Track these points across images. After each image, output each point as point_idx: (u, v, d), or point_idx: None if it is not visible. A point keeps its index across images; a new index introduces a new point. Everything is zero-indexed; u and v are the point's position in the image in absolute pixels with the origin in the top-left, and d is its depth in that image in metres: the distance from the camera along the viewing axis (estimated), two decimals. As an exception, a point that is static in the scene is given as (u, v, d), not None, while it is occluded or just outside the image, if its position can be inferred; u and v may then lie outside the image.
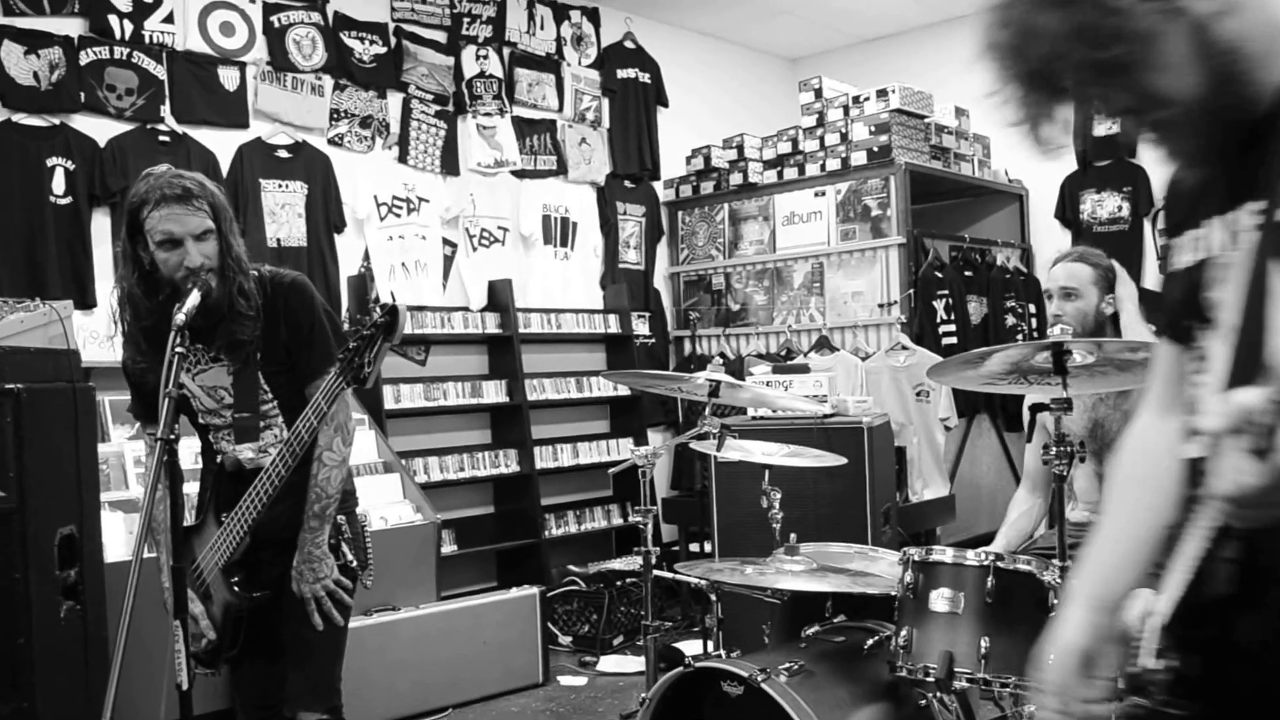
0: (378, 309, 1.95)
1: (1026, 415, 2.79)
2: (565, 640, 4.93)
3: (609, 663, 4.65)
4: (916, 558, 2.42)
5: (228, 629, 2.26)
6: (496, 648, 4.21)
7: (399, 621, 3.96)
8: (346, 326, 1.97)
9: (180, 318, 2.02)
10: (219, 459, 2.31)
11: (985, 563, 2.33)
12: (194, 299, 2.07)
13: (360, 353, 1.94)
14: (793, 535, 2.81)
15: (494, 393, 5.41)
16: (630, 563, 5.22)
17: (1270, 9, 0.95)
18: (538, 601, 4.37)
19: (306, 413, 2.09)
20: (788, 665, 2.39)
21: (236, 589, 2.24)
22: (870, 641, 2.54)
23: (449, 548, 5.00)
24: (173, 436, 1.97)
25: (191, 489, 2.52)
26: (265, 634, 2.28)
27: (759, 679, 2.32)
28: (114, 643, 2.97)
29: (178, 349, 2.00)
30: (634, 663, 4.59)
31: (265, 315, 2.23)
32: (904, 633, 2.37)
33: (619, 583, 4.98)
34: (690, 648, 4.37)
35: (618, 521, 5.84)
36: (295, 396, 2.25)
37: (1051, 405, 2.37)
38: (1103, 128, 5.70)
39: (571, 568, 5.13)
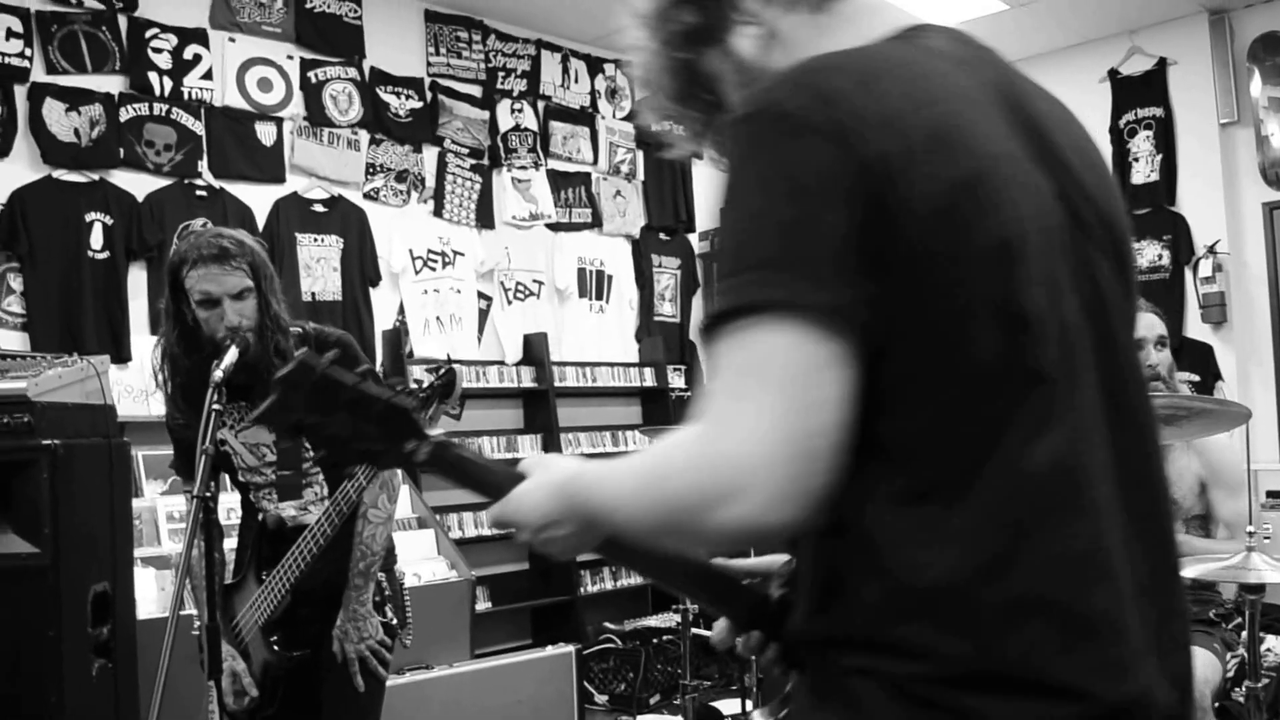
0: (434, 371, 1.92)
1: None
2: (601, 699, 4.79)
3: (646, 724, 4.52)
4: None
5: (266, 688, 2.22)
6: (532, 707, 4.09)
7: (433, 680, 3.85)
8: (399, 387, 1.95)
9: (218, 375, 2.01)
10: (260, 516, 2.29)
11: None
12: (231, 356, 2.05)
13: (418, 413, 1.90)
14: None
15: (529, 447, 5.34)
16: (667, 620, 5.10)
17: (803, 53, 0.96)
18: (573, 660, 4.25)
19: (355, 472, 2.05)
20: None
21: (276, 648, 2.20)
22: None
23: (483, 604, 4.90)
24: (209, 494, 1.95)
25: (228, 544, 2.48)
26: (303, 693, 2.24)
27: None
28: (146, 701, 2.94)
29: (215, 406, 1.98)
30: (672, 724, 4.45)
31: None
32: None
33: (655, 640, 4.85)
34: (728, 707, 4.23)
35: (654, 578, 5.71)
36: None
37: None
38: (1140, 176, 5.62)
39: (608, 625, 5.01)
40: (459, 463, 1.12)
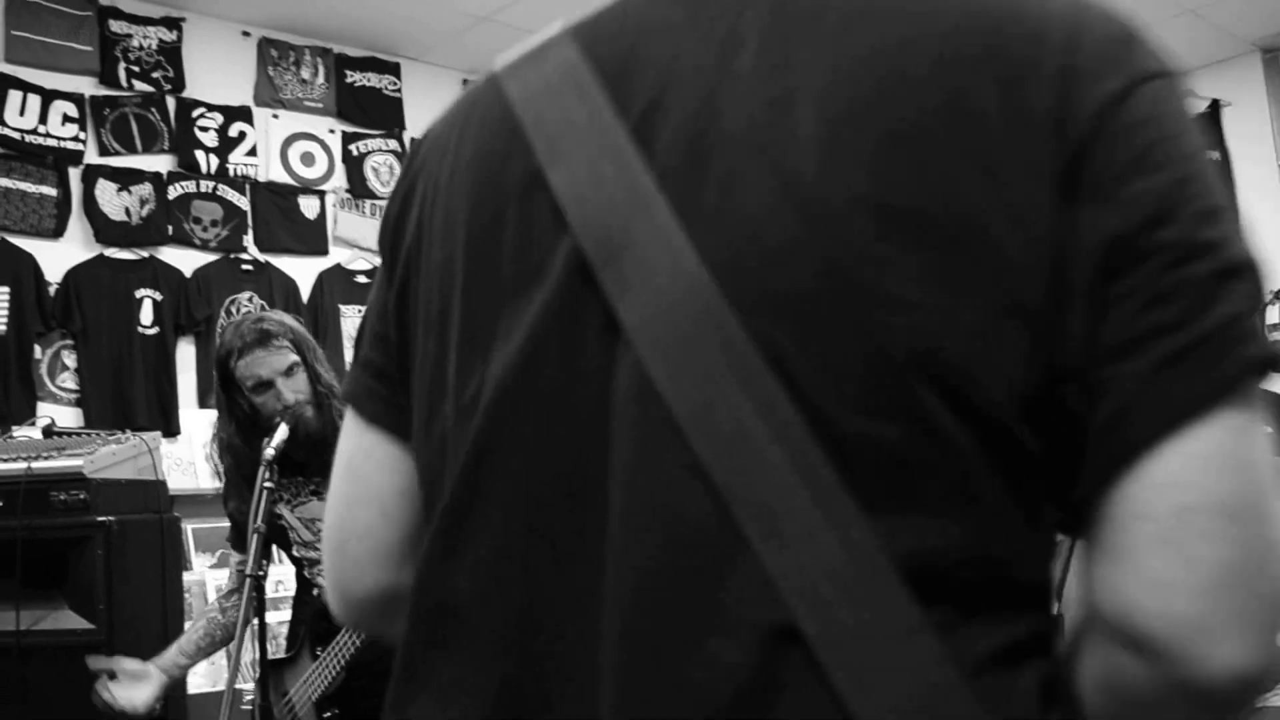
0: None
1: None
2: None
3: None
4: None
5: None
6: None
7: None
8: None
9: (269, 452, 2.01)
10: (315, 592, 2.28)
11: None
12: (282, 433, 2.06)
13: None
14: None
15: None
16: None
17: None
18: None
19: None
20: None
21: None
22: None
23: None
24: (261, 573, 1.94)
25: (276, 617, 2.50)
26: None
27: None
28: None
29: (267, 484, 1.98)
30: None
31: None
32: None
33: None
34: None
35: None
36: None
37: None
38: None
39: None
40: None
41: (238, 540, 2.40)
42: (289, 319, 2.27)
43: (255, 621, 2.02)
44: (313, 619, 2.29)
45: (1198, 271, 0.53)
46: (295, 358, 2.19)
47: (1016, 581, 0.57)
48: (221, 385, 2.23)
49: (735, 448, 0.55)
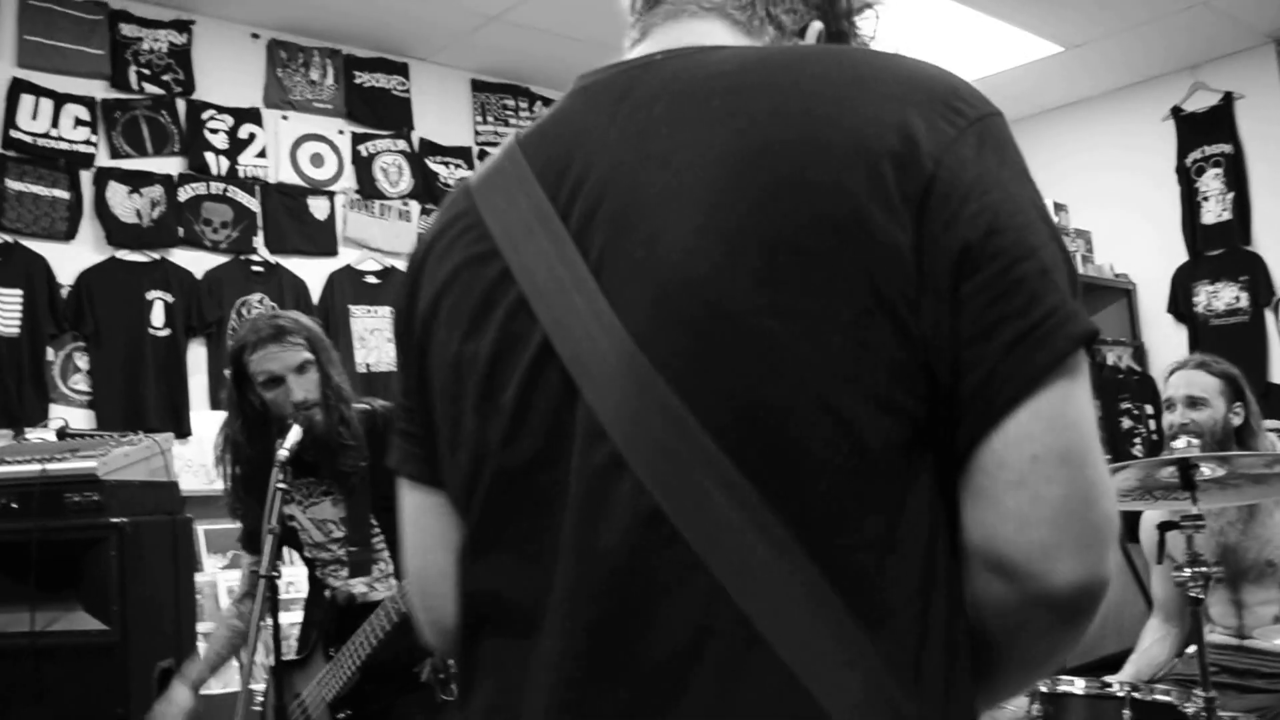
0: None
1: (1154, 534, 2.56)
2: None
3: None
4: (1044, 689, 2.23)
5: None
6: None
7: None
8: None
9: (283, 453, 2.02)
10: (328, 593, 2.29)
11: (1120, 694, 2.14)
12: (295, 434, 2.07)
13: None
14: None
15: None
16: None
17: None
18: None
19: None
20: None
21: None
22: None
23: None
24: (275, 574, 1.95)
25: (288, 618, 2.52)
26: None
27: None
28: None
29: (280, 484, 1.99)
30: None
31: (375, 451, 2.22)
32: (1033, 766, 2.16)
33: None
34: None
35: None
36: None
37: (1182, 522, 2.15)
38: (1211, 216, 5.45)
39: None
40: None
41: (249, 542, 2.41)
42: (305, 318, 2.29)
43: (269, 622, 2.03)
44: (325, 620, 2.30)
45: (1029, 270, 0.67)
46: (309, 355, 2.20)
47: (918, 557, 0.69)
48: (234, 379, 2.25)
49: (670, 467, 0.68)
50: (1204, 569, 2.12)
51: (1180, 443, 2.34)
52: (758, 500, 0.66)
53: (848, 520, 0.67)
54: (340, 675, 2.19)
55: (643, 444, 0.69)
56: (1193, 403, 2.71)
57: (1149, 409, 5.77)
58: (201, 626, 3.52)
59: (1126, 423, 5.60)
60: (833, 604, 0.65)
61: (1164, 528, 2.34)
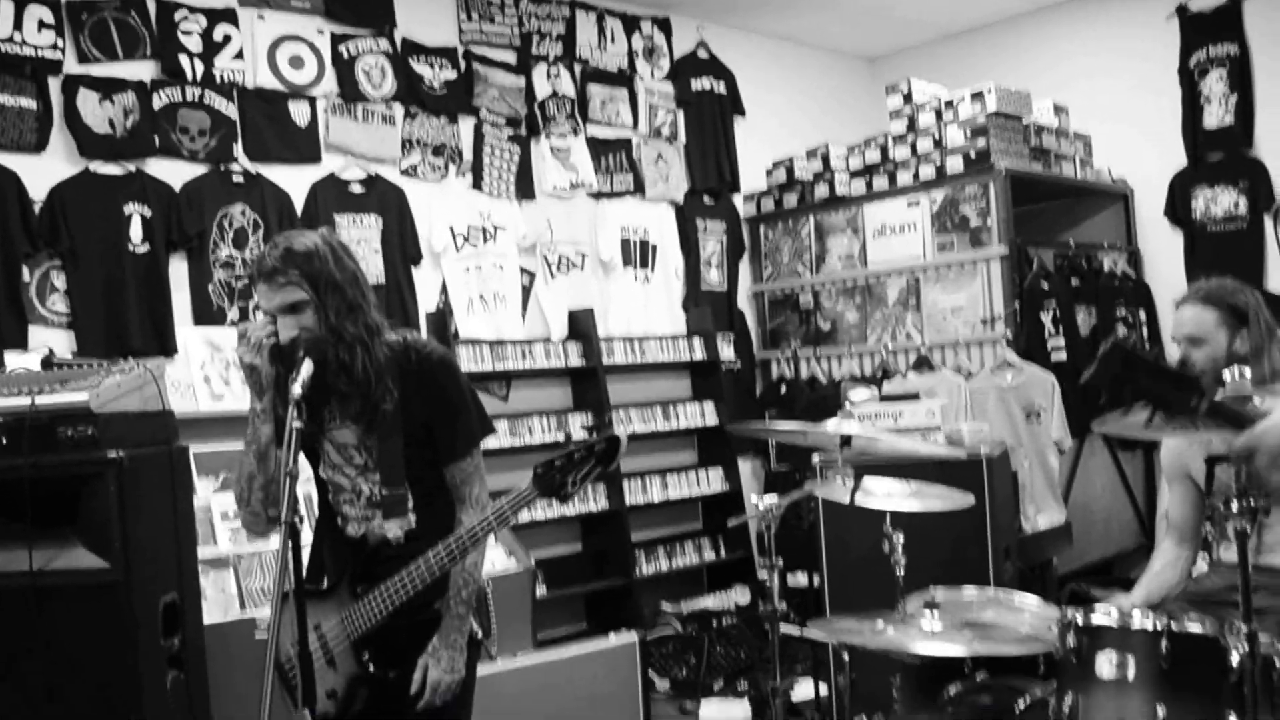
0: (599, 437, 2.00)
1: (1196, 466, 2.53)
2: (662, 685, 4.72)
3: (710, 708, 4.42)
4: (1080, 622, 2.22)
5: (353, 702, 2.21)
6: (598, 698, 4.01)
7: (501, 675, 3.78)
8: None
9: (296, 389, 1.97)
10: (351, 529, 2.25)
11: (1159, 627, 2.14)
12: (307, 368, 2.02)
13: (564, 471, 2.00)
14: (932, 588, 2.65)
15: (580, 425, 5.23)
16: (724, 600, 5.00)
17: None
18: (637, 649, 4.16)
19: (488, 516, 2.08)
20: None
21: (371, 667, 2.20)
22: (1022, 705, 2.36)
23: (539, 590, 4.82)
24: (297, 519, 1.88)
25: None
26: (391, 707, 2.22)
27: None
28: (218, 710, 2.91)
29: (296, 424, 1.93)
30: (738, 707, 4.36)
31: (405, 387, 2.18)
32: (1068, 699, 2.18)
33: (716, 623, 4.75)
34: (803, 688, 4.16)
35: (709, 557, 5.57)
36: (428, 473, 2.22)
37: (1233, 456, 2.12)
38: (1213, 119, 5.35)
39: (666, 607, 4.92)
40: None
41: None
42: (315, 248, 2.14)
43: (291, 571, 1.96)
44: (352, 558, 2.25)
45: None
46: (302, 295, 2.11)
47: None
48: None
49: None
50: (1254, 503, 2.10)
51: (1229, 374, 2.30)
52: None
53: None
54: (371, 616, 2.17)
55: None
56: (1193, 342, 2.71)
57: (1143, 314, 5.76)
58: (199, 553, 3.45)
59: (1121, 329, 5.59)
60: None
61: (1211, 462, 2.30)
